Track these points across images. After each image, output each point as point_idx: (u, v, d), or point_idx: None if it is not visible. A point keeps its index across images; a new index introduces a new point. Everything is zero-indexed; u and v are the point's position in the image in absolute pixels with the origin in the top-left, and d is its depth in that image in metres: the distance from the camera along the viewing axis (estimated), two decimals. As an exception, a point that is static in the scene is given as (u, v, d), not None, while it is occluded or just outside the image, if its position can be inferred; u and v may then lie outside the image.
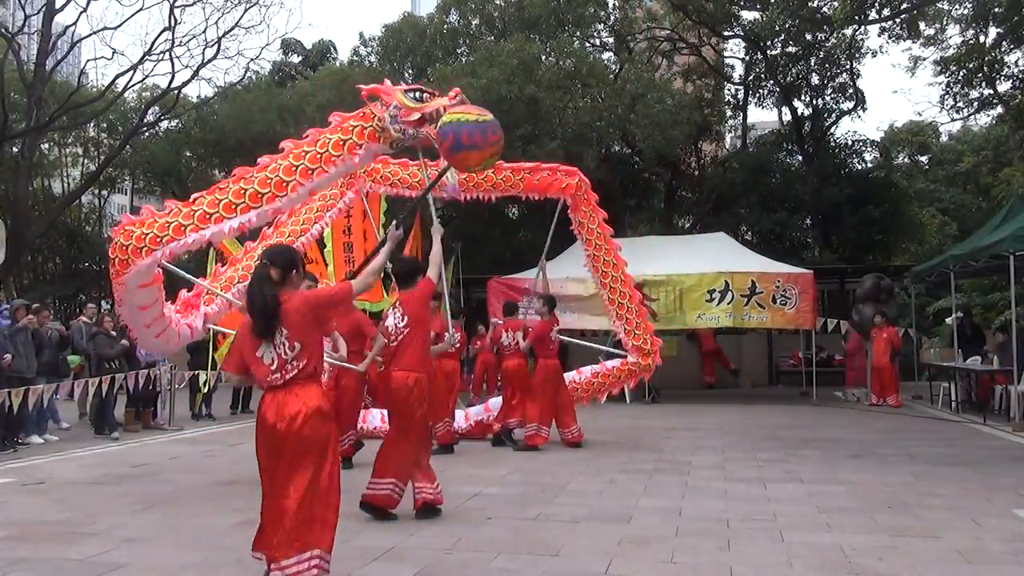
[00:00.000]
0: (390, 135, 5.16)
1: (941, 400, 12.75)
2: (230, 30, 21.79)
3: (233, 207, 5.21)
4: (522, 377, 8.70)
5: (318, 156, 5.24)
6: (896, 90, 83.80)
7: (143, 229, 5.17)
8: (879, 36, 21.19)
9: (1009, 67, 19.15)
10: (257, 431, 3.58)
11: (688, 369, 16.87)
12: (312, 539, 3.45)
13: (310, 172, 5.23)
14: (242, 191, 5.22)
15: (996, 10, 16.26)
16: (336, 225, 12.33)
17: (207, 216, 5.21)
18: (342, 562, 4.25)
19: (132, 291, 5.51)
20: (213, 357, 12.13)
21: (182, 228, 5.19)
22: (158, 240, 5.16)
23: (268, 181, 5.20)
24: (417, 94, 5.06)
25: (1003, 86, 19.84)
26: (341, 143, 5.23)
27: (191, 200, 5.35)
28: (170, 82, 21.16)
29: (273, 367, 3.51)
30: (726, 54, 26.03)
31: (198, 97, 26.00)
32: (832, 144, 23.90)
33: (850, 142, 24.39)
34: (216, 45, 21.03)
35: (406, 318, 5.27)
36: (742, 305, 13.13)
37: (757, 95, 24.35)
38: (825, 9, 18.91)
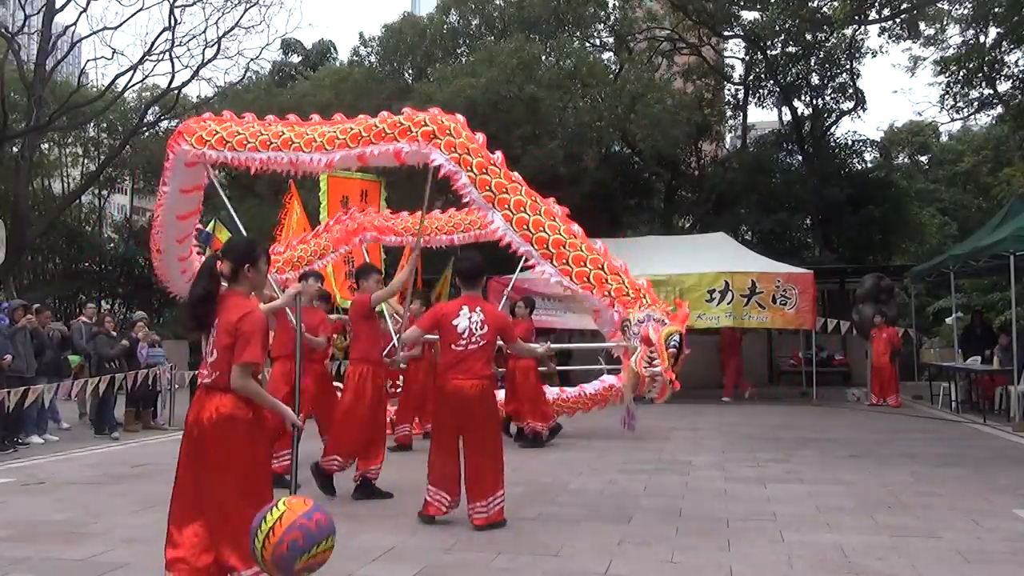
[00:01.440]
0: (622, 314, 4.89)
1: (941, 400, 12.74)
2: (230, 30, 21.88)
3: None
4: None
5: (584, 267, 5.00)
6: (896, 90, 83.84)
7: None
8: (879, 36, 21.20)
9: (1009, 67, 19.14)
10: (184, 429, 3.45)
11: (688, 369, 16.83)
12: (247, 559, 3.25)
13: (583, 267, 5.08)
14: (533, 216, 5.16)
15: (996, 10, 16.24)
16: (332, 199, 12.48)
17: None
18: (342, 562, 4.25)
19: (174, 197, 5.95)
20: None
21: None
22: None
23: (561, 242, 5.10)
24: (676, 341, 4.70)
25: (1003, 86, 19.83)
26: (602, 279, 5.00)
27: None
28: (170, 82, 21.22)
29: (207, 363, 3.36)
30: (726, 54, 26.05)
31: (198, 97, 26.01)
32: (832, 144, 23.89)
33: (850, 142, 24.40)
34: (216, 45, 21.10)
35: (487, 327, 4.98)
36: (742, 305, 13.13)
37: (757, 95, 24.34)
38: (825, 9, 18.90)
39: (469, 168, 5.14)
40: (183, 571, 3.25)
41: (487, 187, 5.09)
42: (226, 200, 6.61)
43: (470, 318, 4.99)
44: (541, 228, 4.99)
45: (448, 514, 5.04)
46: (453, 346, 4.99)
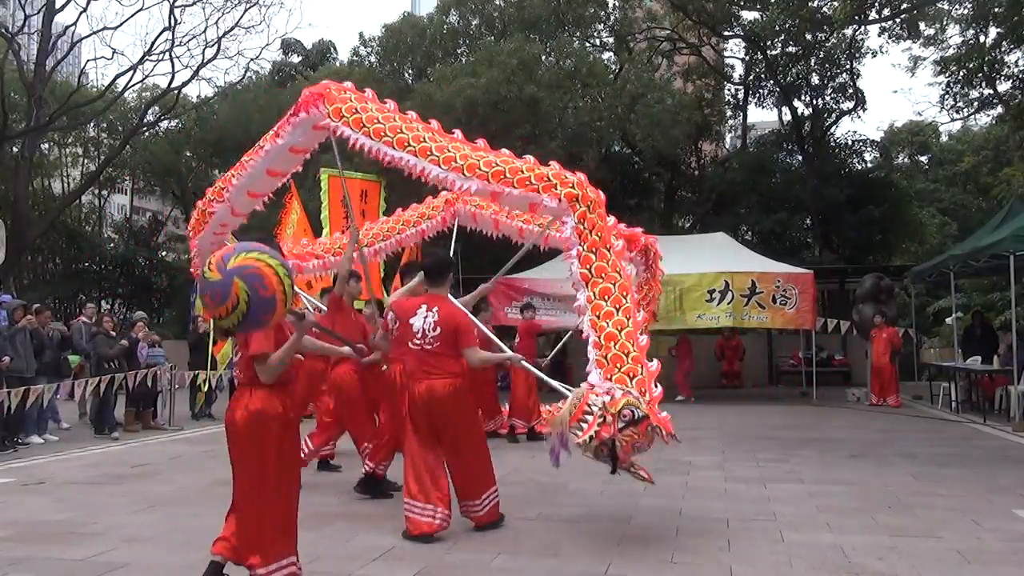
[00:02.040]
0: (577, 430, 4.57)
1: (941, 400, 12.74)
2: (230, 30, 21.89)
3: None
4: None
5: (612, 347, 4.91)
6: (896, 90, 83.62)
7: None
8: (879, 36, 21.27)
9: (1009, 67, 19.16)
10: None
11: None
12: (290, 546, 3.38)
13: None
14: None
15: (996, 10, 16.26)
16: (333, 198, 12.55)
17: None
18: (342, 562, 4.26)
19: (281, 152, 6.01)
20: (213, 356, 12.16)
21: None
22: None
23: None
24: (635, 413, 4.35)
25: (1003, 86, 19.85)
26: (620, 360, 4.84)
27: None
28: (170, 82, 21.23)
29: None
30: (726, 54, 26.08)
31: (198, 97, 26.09)
32: (832, 144, 23.92)
33: (850, 142, 24.45)
34: (216, 45, 21.12)
35: (438, 329, 4.75)
36: (742, 305, 13.12)
37: (757, 95, 24.37)
38: (825, 9, 18.93)
39: (584, 242, 5.23)
40: (224, 548, 3.45)
41: (588, 265, 5.17)
42: (342, 173, 6.40)
43: (425, 318, 4.79)
44: (608, 318, 5.05)
45: (447, 526, 4.74)
46: (411, 344, 4.81)
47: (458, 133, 5.80)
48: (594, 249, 5.18)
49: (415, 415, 4.83)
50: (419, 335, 4.78)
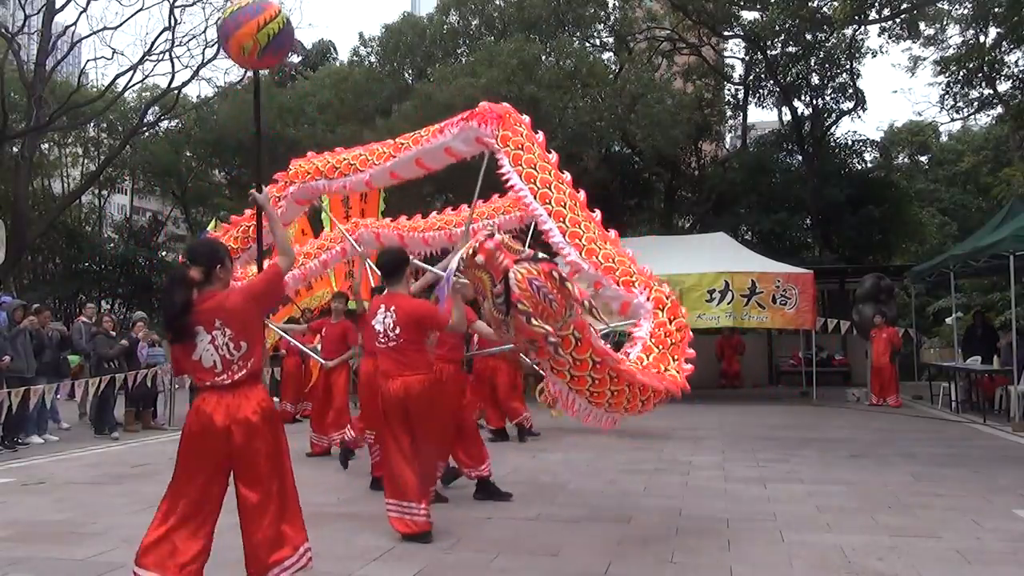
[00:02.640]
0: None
1: (941, 400, 12.74)
2: (230, 30, 21.79)
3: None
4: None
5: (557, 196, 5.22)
6: (896, 90, 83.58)
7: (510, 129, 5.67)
8: (879, 36, 21.30)
9: (1009, 67, 19.18)
10: (197, 433, 3.30)
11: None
12: (302, 534, 3.41)
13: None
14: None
15: (996, 10, 16.27)
16: (334, 198, 12.58)
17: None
18: (342, 562, 4.26)
19: (436, 148, 6.01)
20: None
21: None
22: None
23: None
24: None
25: (1003, 86, 19.87)
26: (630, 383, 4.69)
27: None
28: (170, 82, 21.19)
29: (218, 369, 3.29)
30: (726, 54, 26.08)
31: (198, 97, 26.03)
32: (832, 144, 23.91)
33: (850, 142, 24.43)
34: (216, 45, 21.05)
35: (398, 327, 4.73)
36: (742, 305, 13.11)
37: (757, 95, 24.37)
38: (825, 9, 18.93)
39: (654, 320, 5.25)
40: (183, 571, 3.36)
41: (648, 351, 5.14)
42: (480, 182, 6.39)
43: (384, 319, 4.78)
44: (647, 352, 5.11)
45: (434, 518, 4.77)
46: (377, 343, 4.84)
47: (554, 156, 5.86)
48: (661, 329, 5.21)
49: (390, 412, 4.80)
50: (382, 335, 4.79)
